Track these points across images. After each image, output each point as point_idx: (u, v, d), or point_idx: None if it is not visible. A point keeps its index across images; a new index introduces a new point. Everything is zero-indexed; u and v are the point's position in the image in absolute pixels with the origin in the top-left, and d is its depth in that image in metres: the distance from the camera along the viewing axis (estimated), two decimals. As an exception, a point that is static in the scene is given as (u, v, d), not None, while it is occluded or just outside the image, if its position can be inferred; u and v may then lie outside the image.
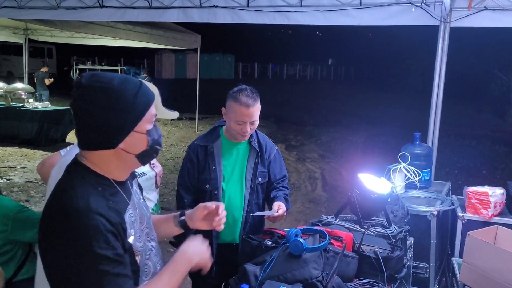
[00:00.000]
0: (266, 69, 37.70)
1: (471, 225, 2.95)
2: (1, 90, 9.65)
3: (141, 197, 1.56)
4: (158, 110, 1.93)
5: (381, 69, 34.95)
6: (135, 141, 1.33)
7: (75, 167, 1.35)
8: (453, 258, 3.01)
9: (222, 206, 1.69)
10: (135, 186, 1.53)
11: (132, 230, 1.34)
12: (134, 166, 1.41)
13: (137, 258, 1.35)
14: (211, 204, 1.69)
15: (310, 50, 39.69)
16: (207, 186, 2.53)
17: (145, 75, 14.06)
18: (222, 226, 1.70)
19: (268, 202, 2.64)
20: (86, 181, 1.31)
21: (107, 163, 1.35)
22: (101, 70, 15.79)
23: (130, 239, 1.32)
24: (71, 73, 14.18)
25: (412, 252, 2.62)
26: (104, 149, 1.31)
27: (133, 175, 1.53)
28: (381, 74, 33.87)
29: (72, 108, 1.31)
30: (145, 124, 1.34)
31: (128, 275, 1.28)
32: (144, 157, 1.38)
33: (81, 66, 14.47)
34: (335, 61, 43.02)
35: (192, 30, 10.58)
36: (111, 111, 1.27)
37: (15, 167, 7.61)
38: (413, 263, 2.76)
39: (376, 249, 2.05)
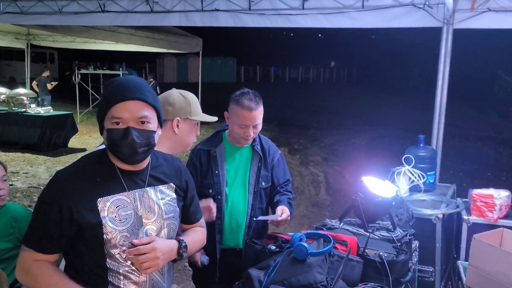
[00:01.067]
0: (268, 72, 37.72)
1: (476, 228, 2.92)
2: (3, 96, 9.68)
3: (163, 201, 1.65)
4: (196, 115, 2.03)
5: (383, 71, 34.90)
6: (103, 135, 1.53)
7: (104, 148, 1.60)
8: (459, 261, 2.97)
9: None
10: (163, 191, 1.66)
11: (108, 210, 1.50)
12: (131, 162, 1.55)
13: (106, 236, 1.49)
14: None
15: (312, 52, 39.69)
16: (210, 190, 2.51)
17: (151, 79, 14.05)
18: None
19: (272, 206, 2.62)
20: (91, 156, 1.60)
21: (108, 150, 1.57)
22: (103, 74, 15.84)
23: (104, 217, 1.49)
24: (73, 78, 14.17)
25: (417, 256, 2.59)
26: (102, 134, 1.54)
27: (163, 183, 1.67)
28: (384, 76, 33.83)
29: None
30: (107, 123, 1.50)
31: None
32: (113, 153, 1.53)
33: (83, 71, 14.47)
34: (338, 63, 42.97)
35: (194, 34, 10.60)
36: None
37: (18, 173, 7.61)
38: (418, 266, 2.74)
39: (381, 253, 2.03)
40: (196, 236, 1.81)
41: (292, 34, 45.05)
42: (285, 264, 1.82)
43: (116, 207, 1.52)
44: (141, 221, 1.57)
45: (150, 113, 1.52)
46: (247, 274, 1.86)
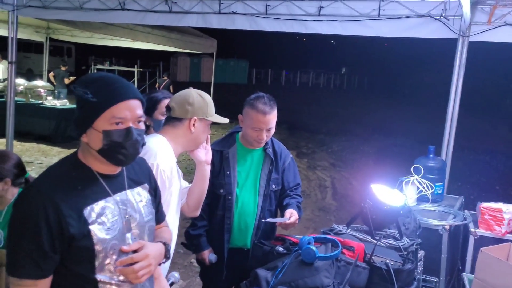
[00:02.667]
0: (280, 75, 37.73)
1: (483, 241, 2.93)
2: (22, 87, 9.82)
3: (141, 203, 1.57)
4: (211, 116, 2.07)
5: (395, 80, 34.76)
6: (94, 137, 1.40)
7: (71, 154, 1.50)
8: (464, 273, 2.98)
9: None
10: (140, 193, 1.58)
11: (97, 219, 1.39)
12: (106, 162, 1.44)
13: (96, 247, 1.39)
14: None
15: (324, 58, 39.65)
16: (221, 190, 2.56)
17: (165, 77, 14.14)
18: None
19: (281, 209, 2.66)
20: (62, 164, 1.47)
21: (86, 154, 1.45)
22: (118, 71, 15.98)
23: (92, 226, 1.38)
24: (89, 73, 14.33)
25: (422, 266, 2.62)
26: (76, 138, 1.46)
27: (139, 184, 1.59)
28: (395, 85, 33.68)
29: None
30: (104, 123, 1.38)
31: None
32: (106, 156, 1.42)
33: (99, 66, 14.64)
34: (349, 70, 42.83)
35: (208, 35, 10.66)
36: (77, 104, 1.42)
37: (32, 162, 7.76)
38: (422, 276, 2.75)
39: (388, 261, 2.06)
40: (168, 237, 1.75)
41: (304, 39, 45.03)
42: (293, 266, 1.86)
43: (103, 214, 1.42)
44: (130, 225, 1.49)
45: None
46: (254, 274, 1.90)
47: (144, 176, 1.64)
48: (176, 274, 2.16)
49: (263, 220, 2.57)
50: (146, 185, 1.63)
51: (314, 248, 1.84)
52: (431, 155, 3.50)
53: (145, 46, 10.78)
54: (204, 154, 2.20)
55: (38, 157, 8.28)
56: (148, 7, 5.26)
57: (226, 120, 2.14)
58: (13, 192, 2.56)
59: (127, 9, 5.32)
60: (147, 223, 1.57)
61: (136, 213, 1.53)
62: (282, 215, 2.56)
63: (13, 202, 2.53)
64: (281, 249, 2.09)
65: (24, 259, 1.31)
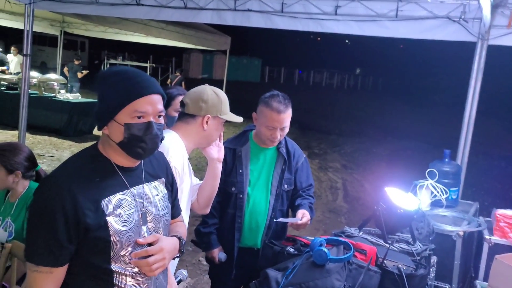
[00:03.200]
0: (293, 74, 37.62)
1: (498, 248, 2.87)
2: (35, 80, 9.90)
3: (157, 197, 1.59)
4: (225, 114, 2.06)
5: (409, 82, 34.49)
6: (115, 129, 1.43)
7: (91, 145, 1.53)
8: (477, 281, 2.92)
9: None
10: (157, 187, 1.60)
11: (113, 211, 1.42)
12: (125, 155, 1.47)
13: (112, 238, 1.41)
14: None
15: (338, 58, 39.47)
16: (233, 189, 2.54)
17: (177, 74, 14.17)
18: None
19: (293, 209, 2.63)
20: (82, 155, 1.49)
21: (106, 146, 1.48)
22: (131, 66, 16.05)
23: (109, 218, 1.41)
24: (102, 67, 14.46)
25: (434, 272, 2.57)
26: (99, 130, 1.47)
27: (156, 178, 1.62)
28: (409, 87, 33.40)
29: None
30: (126, 117, 1.41)
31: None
32: (126, 149, 1.44)
33: (112, 61, 14.73)
34: (363, 71, 42.57)
35: (221, 32, 10.65)
36: (99, 97, 1.45)
37: (44, 155, 7.81)
38: (434, 282, 2.71)
39: (400, 265, 2.02)
40: (183, 231, 1.77)
41: (319, 38, 44.88)
42: (304, 268, 1.83)
43: (120, 207, 1.44)
44: (146, 219, 1.52)
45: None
46: (264, 274, 1.87)
47: (162, 171, 1.66)
48: (184, 272, 2.15)
49: (274, 220, 2.54)
50: (163, 179, 1.64)
51: (326, 250, 1.81)
52: (446, 159, 3.44)
53: (158, 41, 10.81)
54: (217, 152, 2.18)
55: (50, 150, 8.34)
56: (163, 3, 5.25)
57: (240, 119, 2.13)
58: (24, 185, 2.57)
59: (142, 4, 5.32)
60: (163, 217, 1.59)
61: (152, 207, 1.55)
62: (294, 216, 2.53)
63: (23, 194, 2.54)
64: (292, 249, 2.07)
65: (41, 247, 1.36)
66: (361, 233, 2.42)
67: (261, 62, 35.57)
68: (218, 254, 2.58)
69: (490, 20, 3.90)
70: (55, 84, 10.05)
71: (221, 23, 5.21)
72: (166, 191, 1.64)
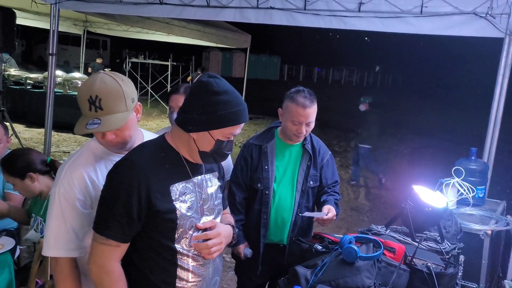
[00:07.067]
0: (312, 72, 37.39)
1: (527, 248, 2.82)
2: (60, 79, 10.11)
3: (213, 188, 1.74)
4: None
5: (430, 79, 33.93)
6: (205, 140, 1.57)
7: (160, 137, 1.67)
8: (505, 280, 2.89)
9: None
10: (212, 179, 1.75)
11: (179, 197, 1.58)
12: (198, 158, 1.62)
13: (178, 221, 1.56)
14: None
15: (357, 55, 39.03)
16: (259, 185, 2.55)
17: (199, 72, 14.27)
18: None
19: (318, 206, 2.63)
20: (151, 144, 1.64)
21: (180, 142, 1.62)
22: (152, 64, 16.21)
23: (176, 203, 1.56)
24: (124, 66, 14.63)
25: (461, 271, 2.54)
26: (183, 129, 1.58)
27: (211, 171, 1.76)
28: (430, 84, 32.88)
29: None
30: (220, 134, 1.56)
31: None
32: (204, 157, 1.61)
33: (134, 60, 14.89)
34: (383, 68, 42.01)
35: (241, 30, 10.66)
36: (201, 105, 1.53)
37: (69, 152, 7.98)
38: (462, 282, 2.68)
39: (429, 264, 2.00)
40: (233, 222, 1.90)
41: (338, 36, 44.47)
42: (333, 265, 1.84)
43: (184, 194, 1.60)
44: (203, 206, 1.66)
45: None
46: (293, 271, 1.88)
47: (215, 165, 1.80)
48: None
49: (300, 215, 2.55)
50: (217, 173, 1.80)
51: (355, 247, 1.81)
52: (473, 157, 3.39)
53: (179, 40, 10.87)
54: None
55: (75, 147, 8.52)
56: (186, 2, 5.28)
57: None
58: (45, 182, 2.62)
59: (165, 3, 5.36)
60: (217, 206, 1.74)
61: (208, 196, 1.70)
62: (320, 211, 2.53)
63: None
64: (319, 247, 2.06)
65: (113, 222, 1.50)
66: (388, 231, 2.41)
67: (280, 60, 35.41)
68: (244, 250, 2.59)
69: (519, 15, 3.81)
70: (79, 82, 10.23)
71: (244, 21, 5.20)
72: (219, 183, 1.79)
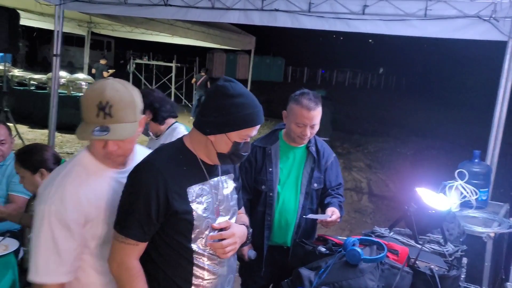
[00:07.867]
0: (316, 74, 37.33)
1: (530, 251, 2.83)
2: (64, 80, 10.15)
3: (228, 189, 1.79)
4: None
5: (434, 81, 33.83)
6: (222, 142, 1.62)
7: (177, 140, 1.74)
8: (508, 283, 2.89)
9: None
10: (227, 181, 1.79)
11: (196, 198, 1.62)
12: (216, 160, 1.67)
13: (195, 222, 1.61)
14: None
15: (361, 57, 39.00)
16: (263, 187, 2.57)
17: (203, 73, 14.27)
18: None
19: (322, 208, 2.64)
20: (170, 147, 1.71)
21: (198, 144, 1.68)
22: (156, 65, 16.26)
23: (193, 204, 1.61)
24: (128, 67, 14.68)
25: (464, 273, 2.55)
26: (201, 132, 1.63)
27: (227, 173, 1.81)
28: (433, 86, 32.78)
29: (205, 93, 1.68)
30: (237, 136, 1.61)
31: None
32: (222, 158, 1.66)
33: (138, 61, 14.94)
34: (386, 70, 41.94)
35: (245, 31, 10.68)
36: (217, 108, 1.58)
37: (73, 153, 8.02)
38: (464, 284, 2.68)
39: (432, 266, 2.01)
40: (247, 222, 1.94)
41: (342, 38, 44.46)
42: (336, 267, 1.85)
43: (201, 195, 1.65)
44: (219, 207, 1.72)
45: None
46: (297, 273, 1.90)
47: (231, 167, 1.86)
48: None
49: (304, 217, 2.56)
50: (232, 175, 1.85)
51: (359, 249, 1.82)
52: (476, 160, 3.40)
53: (183, 41, 10.90)
54: None
55: (78, 148, 8.54)
56: (191, 3, 5.31)
57: None
58: None
59: (170, 5, 5.39)
60: (232, 207, 1.80)
61: (224, 197, 1.76)
62: (323, 214, 2.54)
63: None
64: (323, 249, 2.08)
65: (133, 222, 1.55)
66: (391, 233, 2.42)
67: (284, 62, 35.40)
68: (248, 251, 2.60)
69: (523, 18, 3.82)
70: (83, 83, 10.28)
71: (248, 23, 5.23)
72: (234, 184, 1.84)
